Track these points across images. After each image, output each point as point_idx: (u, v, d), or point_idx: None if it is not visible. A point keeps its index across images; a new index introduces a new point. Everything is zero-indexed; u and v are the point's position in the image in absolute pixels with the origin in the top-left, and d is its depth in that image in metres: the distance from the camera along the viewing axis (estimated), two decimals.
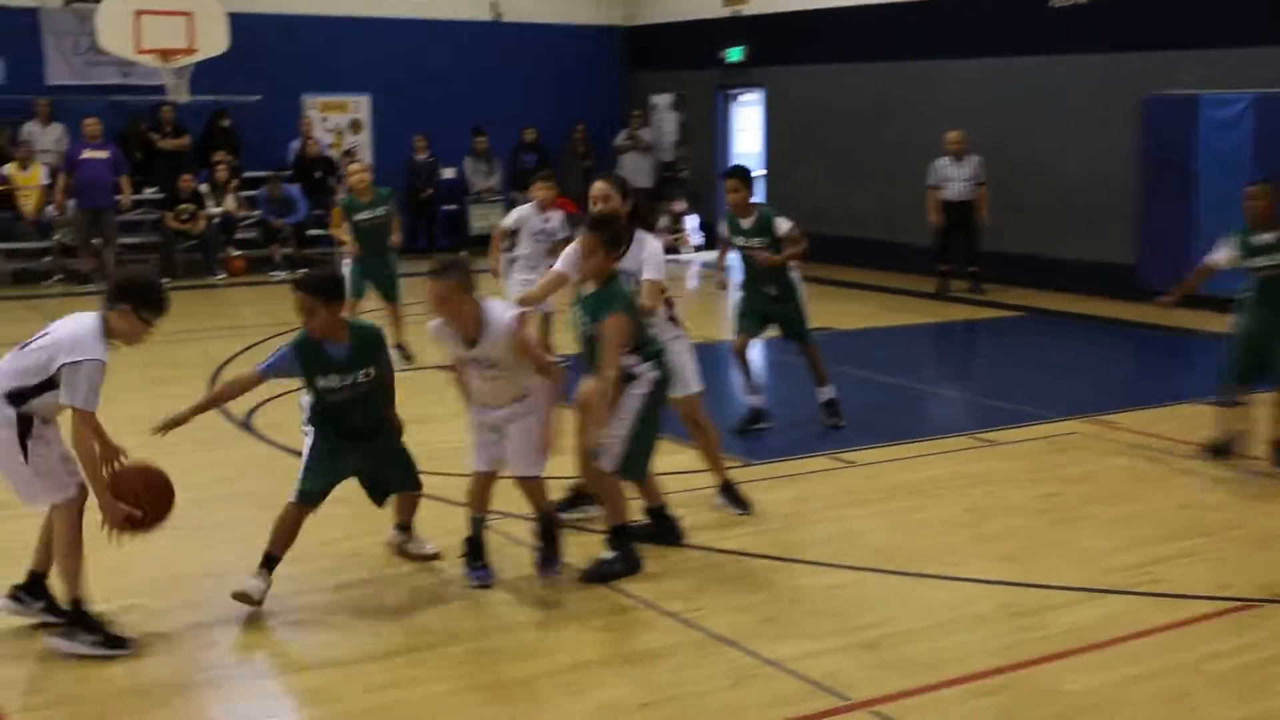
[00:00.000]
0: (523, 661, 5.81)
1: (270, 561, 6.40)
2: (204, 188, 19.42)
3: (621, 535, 6.84)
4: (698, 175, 22.53)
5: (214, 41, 18.79)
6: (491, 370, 6.49)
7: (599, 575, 6.71)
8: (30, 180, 18.57)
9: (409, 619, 6.32)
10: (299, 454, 6.58)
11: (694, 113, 22.80)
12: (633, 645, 6.03)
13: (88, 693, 5.51)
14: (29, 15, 19.45)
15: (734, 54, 21.69)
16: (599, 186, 7.51)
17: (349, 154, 20.92)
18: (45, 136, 19.21)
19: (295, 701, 5.62)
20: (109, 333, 5.86)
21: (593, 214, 7.14)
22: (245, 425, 10.16)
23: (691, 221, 22.21)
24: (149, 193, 19.53)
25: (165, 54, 18.52)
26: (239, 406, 10.56)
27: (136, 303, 5.90)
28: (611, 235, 6.78)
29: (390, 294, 12.78)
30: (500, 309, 6.56)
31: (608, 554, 6.82)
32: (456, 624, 6.22)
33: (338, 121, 21.76)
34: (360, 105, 21.89)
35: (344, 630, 6.16)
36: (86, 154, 18.29)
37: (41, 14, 19.51)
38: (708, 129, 22.65)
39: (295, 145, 20.60)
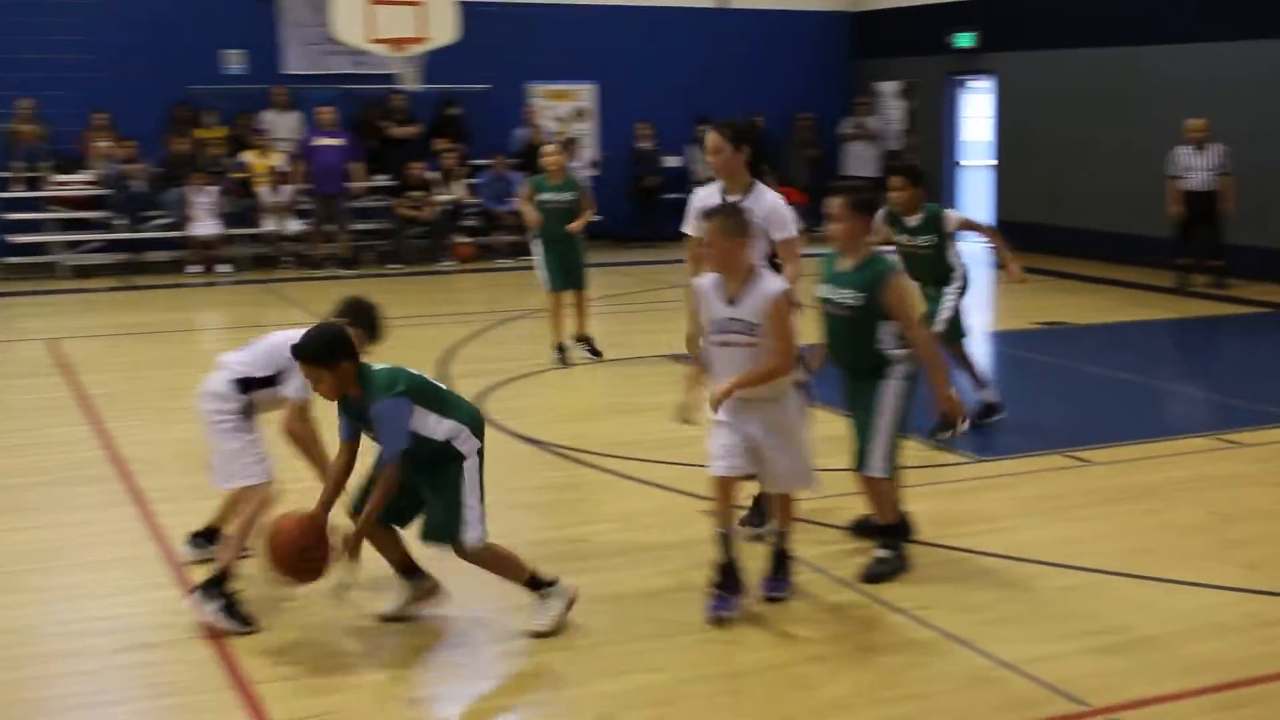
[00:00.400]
0: (753, 654, 5.85)
1: (405, 571, 6.19)
2: (433, 175, 19.93)
3: (894, 533, 6.76)
4: (925, 165, 22.23)
5: (444, 30, 19.26)
6: (747, 338, 6.02)
7: (877, 575, 6.62)
8: (268, 167, 19.26)
9: (639, 606, 6.39)
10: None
11: (922, 100, 22.53)
12: (863, 642, 6.00)
13: (329, 664, 5.75)
14: (267, 6, 20.19)
15: (964, 39, 21.37)
16: (710, 139, 7.27)
17: (571, 142, 21.25)
18: (282, 124, 19.94)
19: (529, 684, 5.75)
20: None
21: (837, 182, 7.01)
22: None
23: None
24: (380, 180, 20.10)
25: (397, 43, 19.04)
26: (471, 390, 10.84)
27: (354, 322, 6.25)
28: (858, 200, 6.53)
29: (575, 281, 12.48)
30: (773, 276, 6.20)
31: (882, 552, 6.73)
32: (687, 614, 6.26)
33: (563, 110, 22.08)
34: (585, 94, 22.17)
35: (575, 617, 6.27)
36: (321, 141, 18.97)
37: (280, 4, 20.25)
38: (936, 117, 22.35)
39: (521, 133, 20.96)
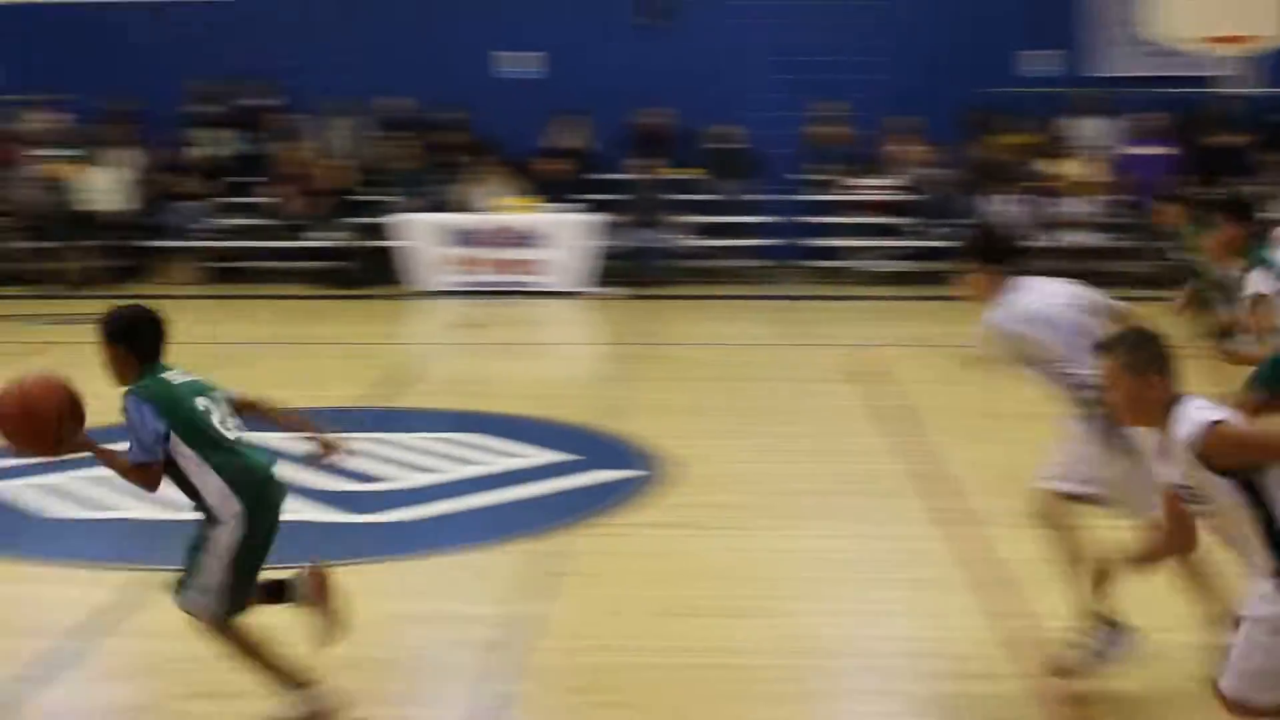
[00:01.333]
0: None
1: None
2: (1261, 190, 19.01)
3: None
4: None
5: None
6: (1196, 505, 4.50)
7: None
8: (1073, 177, 19.12)
9: None
10: None
11: None
12: None
13: None
14: (1085, 4, 20.17)
15: None
16: None
17: None
18: (1089, 130, 19.76)
19: None
20: None
21: None
22: None
23: None
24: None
25: (1232, 41, 18.29)
26: None
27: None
28: None
29: None
30: (1196, 410, 4.47)
31: None
32: None
33: None
34: None
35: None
36: (1138, 150, 18.60)
37: (1094, 3, 20.15)
38: None
39: None
